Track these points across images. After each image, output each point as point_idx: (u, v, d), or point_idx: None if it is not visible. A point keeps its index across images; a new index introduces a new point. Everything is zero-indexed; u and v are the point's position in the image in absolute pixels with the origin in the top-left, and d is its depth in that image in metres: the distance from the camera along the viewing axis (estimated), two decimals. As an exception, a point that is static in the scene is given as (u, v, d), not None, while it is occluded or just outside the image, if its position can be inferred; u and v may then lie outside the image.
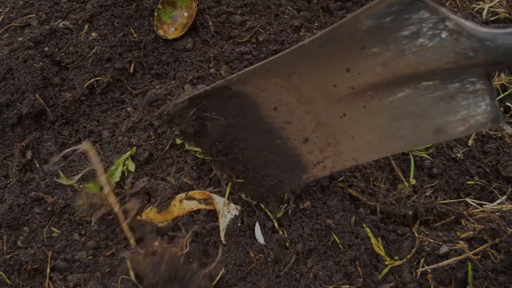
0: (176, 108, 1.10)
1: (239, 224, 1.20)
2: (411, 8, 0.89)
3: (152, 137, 1.43)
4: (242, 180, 1.19)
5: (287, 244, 1.18)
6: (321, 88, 1.04)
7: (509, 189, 1.38)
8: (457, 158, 1.44)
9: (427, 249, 1.20)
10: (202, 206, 1.23)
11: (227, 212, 1.21)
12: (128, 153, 1.39)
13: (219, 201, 1.22)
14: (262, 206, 1.22)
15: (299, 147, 1.12)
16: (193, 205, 1.24)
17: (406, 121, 1.01)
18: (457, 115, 0.96)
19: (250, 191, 1.21)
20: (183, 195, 1.26)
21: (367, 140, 1.06)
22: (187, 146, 1.36)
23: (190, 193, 1.26)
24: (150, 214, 1.26)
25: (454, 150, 1.46)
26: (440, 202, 1.33)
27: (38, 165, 1.44)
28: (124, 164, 1.37)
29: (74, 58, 1.61)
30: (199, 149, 1.32)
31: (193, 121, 1.12)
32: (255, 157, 1.15)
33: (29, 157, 1.45)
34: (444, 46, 0.91)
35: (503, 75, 1.66)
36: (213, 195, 1.24)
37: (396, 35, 0.93)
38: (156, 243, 1.12)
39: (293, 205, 1.22)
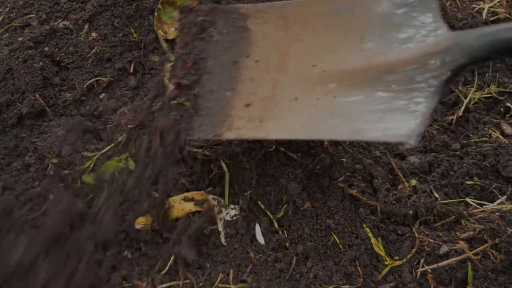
0: (197, 10, 1.24)
1: (239, 225, 1.20)
2: (423, 5, 0.92)
3: (152, 137, 1.43)
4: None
5: (287, 244, 1.17)
6: (303, 61, 1.08)
7: (509, 189, 1.38)
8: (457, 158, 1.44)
9: (427, 249, 1.20)
10: (201, 207, 1.23)
11: (227, 212, 1.21)
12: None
13: (219, 202, 1.22)
14: (262, 206, 1.22)
15: (237, 107, 1.12)
16: (192, 206, 1.24)
17: (338, 119, 1.01)
18: (382, 125, 0.96)
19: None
20: (181, 196, 1.26)
21: (293, 124, 1.05)
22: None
23: (189, 194, 1.26)
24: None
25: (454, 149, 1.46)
26: (440, 202, 1.33)
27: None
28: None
29: (74, 58, 1.61)
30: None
31: (199, 24, 1.22)
32: (210, 87, 1.16)
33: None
34: (423, 51, 0.93)
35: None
36: (212, 195, 1.24)
37: (393, 35, 0.97)
38: None
39: (293, 206, 1.21)
